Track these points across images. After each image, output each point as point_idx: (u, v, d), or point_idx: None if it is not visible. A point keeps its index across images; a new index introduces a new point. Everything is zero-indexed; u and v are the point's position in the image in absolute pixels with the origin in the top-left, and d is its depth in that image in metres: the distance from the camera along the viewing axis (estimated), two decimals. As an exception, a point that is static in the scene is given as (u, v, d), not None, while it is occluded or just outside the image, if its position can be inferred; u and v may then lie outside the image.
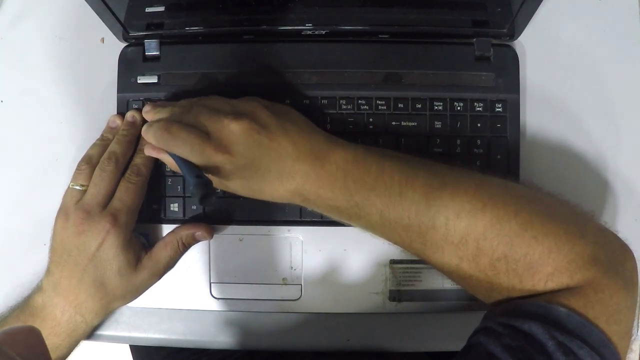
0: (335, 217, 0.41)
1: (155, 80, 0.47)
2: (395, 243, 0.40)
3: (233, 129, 0.39)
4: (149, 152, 0.44)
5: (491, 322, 0.34)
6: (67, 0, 0.50)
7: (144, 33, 0.47)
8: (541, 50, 0.49)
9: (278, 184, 0.39)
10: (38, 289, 0.43)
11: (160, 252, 0.45)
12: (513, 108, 0.47)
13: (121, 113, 0.47)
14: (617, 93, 0.49)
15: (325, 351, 0.47)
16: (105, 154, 0.44)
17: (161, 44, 0.47)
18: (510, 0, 0.42)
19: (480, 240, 0.35)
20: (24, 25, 0.51)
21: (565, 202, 0.39)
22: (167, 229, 0.46)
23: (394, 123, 0.47)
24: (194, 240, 0.46)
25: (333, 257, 0.46)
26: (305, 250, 0.46)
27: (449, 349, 0.47)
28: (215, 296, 0.46)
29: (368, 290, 0.46)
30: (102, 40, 0.50)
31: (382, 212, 0.38)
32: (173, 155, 0.41)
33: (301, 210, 0.46)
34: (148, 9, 0.44)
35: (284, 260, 0.46)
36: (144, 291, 0.45)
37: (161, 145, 0.41)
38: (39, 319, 0.42)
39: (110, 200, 0.43)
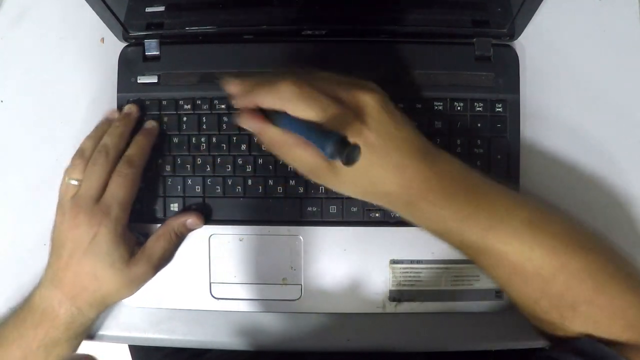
0: (431, 228, 0.39)
1: (155, 80, 0.47)
2: (477, 263, 0.39)
3: (367, 101, 0.36)
4: (247, 122, 0.38)
5: (557, 354, 0.36)
6: (67, 0, 0.50)
7: (144, 33, 0.47)
8: (541, 50, 0.49)
9: (392, 175, 0.36)
10: (37, 285, 0.44)
11: (153, 245, 0.44)
12: (513, 108, 0.47)
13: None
14: (617, 93, 0.49)
15: (325, 351, 0.47)
16: (97, 147, 0.44)
17: (161, 44, 0.47)
18: (510, 0, 0.42)
19: (570, 281, 0.36)
20: (24, 25, 0.51)
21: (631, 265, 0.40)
22: (167, 229, 0.46)
23: (394, 123, 0.46)
24: (186, 229, 0.46)
25: (333, 257, 0.46)
26: (305, 250, 0.46)
27: (449, 349, 0.47)
28: (215, 296, 0.46)
29: (368, 290, 0.46)
30: (102, 40, 0.50)
31: (483, 231, 0.37)
32: (292, 121, 0.36)
33: (301, 210, 0.46)
34: (148, 9, 0.44)
35: (284, 260, 0.46)
36: (140, 286, 0.44)
37: (286, 104, 0.36)
38: (39, 313, 0.42)
39: (103, 193, 0.43)
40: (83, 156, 0.44)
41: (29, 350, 0.42)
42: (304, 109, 0.35)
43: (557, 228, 0.38)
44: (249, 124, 0.39)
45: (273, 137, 0.38)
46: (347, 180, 0.37)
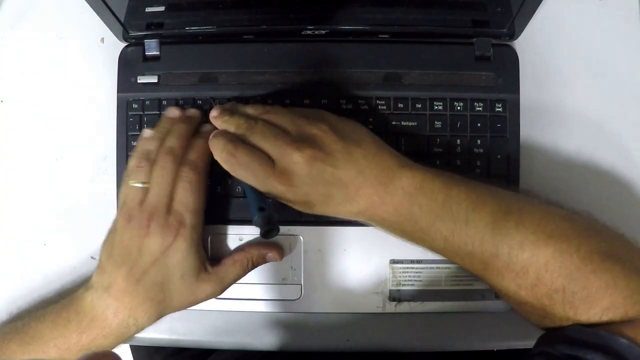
0: (398, 237, 0.42)
1: (155, 80, 0.47)
2: (456, 263, 0.41)
3: (296, 159, 0.39)
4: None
5: (551, 348, 0.35)
6: (67, 0, 0.50)
7: (144, 33, 0.47)
8: (541, 50, 0.49)
9: (341, 207, 0.40)
10: (87, 286, 0.42)
11: (228, 268, 0.44)
12: (513, 108, 0.47)
13: (178, 105, 0.46)
14: (617, 93, 0.49)
15: (326, 351, 0.47)
16: (163, 149, 0.42)
17: (161, 44, 0.47)
18: (510, 0, 0.42)
19: (541, 271, 0.36)
20: (24, 25, 0.51)
21: (622, 237, 0.40)
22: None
23: (394, 123, 0.47)
24: (264, 261, 0.45)
25: (333, 257, 0.46)
26: (305, 250, 0.46)
27: (449, 349, 0.47)
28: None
29: (368, 290, 0.46)
30: (102, 40, 0.50)
31: (446, 238, 0.39)
32: (238, 180, 0.41)
33: (301, 210, 0.46)
34: (148, 9, 0.44)
35: (284, 260, 0.46)
36: (201, 302, 0.43)
37: (226, 168, 0.41)
38: (88, 319, 0.41)
39: (172, 200, 0.41)
40: (149, 158, 0.42)
41: (68, 352, 0.41)
42: (239, 176, 0.41)
43: (523, 220, 0.38)
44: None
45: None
46: (300, 209, 0.42)
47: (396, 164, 0.40)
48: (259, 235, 0.41)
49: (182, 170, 0.41)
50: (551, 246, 0.36)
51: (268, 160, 0.40)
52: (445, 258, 0.41)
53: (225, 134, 0.42)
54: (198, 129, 0.45)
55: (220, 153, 0.41)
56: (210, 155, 0.43)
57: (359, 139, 0.41)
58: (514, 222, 0.37)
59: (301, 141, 0.39)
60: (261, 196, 0.41)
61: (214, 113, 0.43)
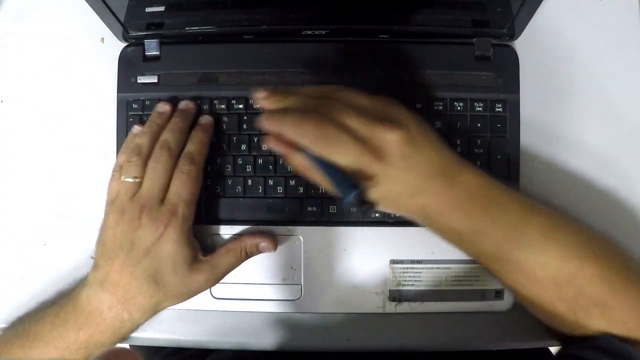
0: (449, 240, 0.41)
1: (155, 80, 0.47)
2: (491, 271, 0.41)
3: (390, 139, 0.36)
4: (274, 146, 0.38)
5: (582, 352, 0.37)
6: (67, 0, 0.50)
7: (144, 33, 0.47)
8: (541, 50, 0.49)
9: (409, 198, 0.38)
10: (83, 284, 0.42)
11: (221, 257, 0.43)
12: (513, 108, 0.47)
13: (167, 100, 0.46)
14: (616, 93, 0.49)
15: (326, 351, 0.47)
16: (158, 144, 0.42)
17: (161, 44, 0.47)
18: (510, 1, 0.42)
19: (584, 285, 0.38)
20: (24, 25, 0.51)
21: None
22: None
23: (394, 123, 0.46)
24: (257, 251, 0.45)
25: (333, 257, 0.46)
26: (305, 250, 0.46)
27: (449, 349, 0.47)
28: (215, 296, 0.46)
29: (368, 290, 0.46)
30: (102, 40, 0.50)
31: (498, 243, 0.38)
32: (315, 158, 0.37)
33: (301, 210, 0.46)
34: (148, 9, 0.44)
35: (284, 260, 0.46)
36: (195, 294, 0.43)
37: (308, 144, 0.36)
38: (84, 315, 0.41)
39: (166, 193, 0.41)
40: (141, 152, 0.42)
41: (68, 351, 0.41)
42: (326, 152, 0.36)
43: (570, 235, 0.39)
44: (275, 149, 0.39)
45: (297, 165, 0.39)
46: (374, 199, 0.39)
47: (457, 161, 0.39)
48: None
49: (180, 162, 0.42)
50: (597, 262, 0.38)
51: (358, 137, 0.36)
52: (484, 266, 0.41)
53: (292, 109, 0.38)
54: (194, 122, 0.45)
55: (300, 124, 0.36)
56: (208, 148, 0.43)
57: (427, 131, 0.39)
58: (563, 236, 0.39)
59: (391, 121, 0.37)
60: (344, 174, 0.36)
61: (262, 94, 0.39)
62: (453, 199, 0.38)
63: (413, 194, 0.38)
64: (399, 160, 0.37)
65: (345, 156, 0.36)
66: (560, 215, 0.41)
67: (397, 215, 0.43)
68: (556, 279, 0.38)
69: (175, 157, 0.42)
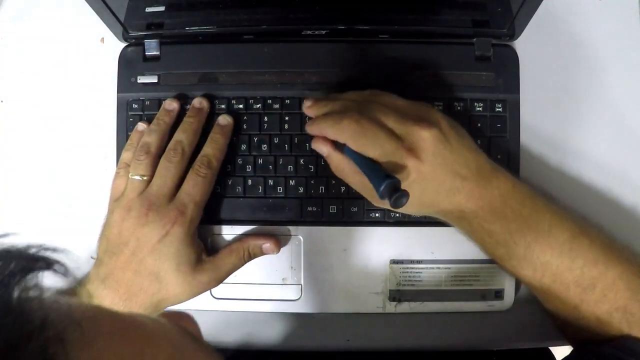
0: (479, 242, 0.41)
1: (155, 80, 0.47)
2: (522, 276, 0.41)
3: (424, 136, 0.38)
4: (318, 146, 0.41)
5: (608, 350, 0.38)
6: (67, 0, 0.50)
7: (144, 33, 0.47)
8: (541, 50, 0.49)
9: (444, 197, 0.39)
10: (85, 281, 0.42)
11: (225, 258, 0.43)
12: (513, 108, 0.47)
13: (177, 97, 0.46)
14: (617, 93, 0.49)
15: (326, 351, 0.47)
16: (172, 143, 0.43)
17: (161, 44, 0.47)
18: (510, 0, 0.42)
19: (607, 289, 0.39)
20: (24, 25, 0.51)
21: None
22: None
23: (394, 123, 0.46)
24: (261, 252, 0.45)
25: (333, 257, 0.46)
26: (305, 250, 0.46)
27: (449, 349, 0.47)
28: (215, 296, 0.46)
29: (368, 290, 0.46)
30: (102, 40, 0.50)
31: (529, 245, 0.39)
32: (353, 153, 0.39)
33: (301, 210, 0.46)
34: (148, 9, 0.44)
35: (284, 260, 0.46)
36: (197, 294, 0.43)
37: (347, 140, 0.39)
38: None
39: (175, 192, 0.41)
40: (149, 151, 0.42)
41: None
42: (363, 146, 0.38)
43: (595, 240, 0.40)
44: (318, 148, 0.42)
45: (337, 163, 0.41)
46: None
47: (490, 163, 0.40)
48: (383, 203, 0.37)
49: (196, 163, 0.42)
50: (619, 267, 0.39)
51: (394, 133, 0.38)
52: (510, 270, 0.41)
53: (333, 112, 0.41)
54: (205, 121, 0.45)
55: (340, 121, 0.39)
56: (225, 152, 0.44)
57: (461, 133, 0.40)
58: (588, 241, 0.40)
59: (426, 120, 0.39)
60: (381, 167, 0.38)
61: (308, 103, 0.43)
62: (488, 200, 0.39)
63: (448, 192, 0.39)
64: (432, 157, 0.38)
65: (381, 150, 0.38)
66: (583, 220, 0.42)
67: (422, 216, 0.44)
68: (581, 282, 0.39)
69: (188, 158, 0.43)
